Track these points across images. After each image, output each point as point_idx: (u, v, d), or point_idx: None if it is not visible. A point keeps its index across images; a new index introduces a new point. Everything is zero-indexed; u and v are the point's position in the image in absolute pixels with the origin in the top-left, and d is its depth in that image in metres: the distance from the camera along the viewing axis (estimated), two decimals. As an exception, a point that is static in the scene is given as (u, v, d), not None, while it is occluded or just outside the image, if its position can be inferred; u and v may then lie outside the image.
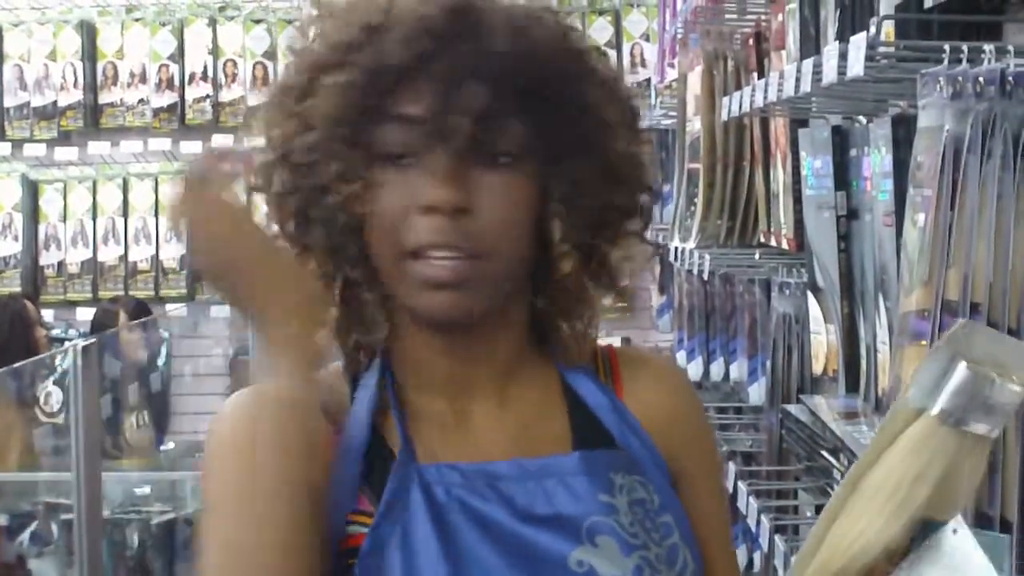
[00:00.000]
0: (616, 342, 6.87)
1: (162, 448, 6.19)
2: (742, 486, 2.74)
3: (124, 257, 6.79)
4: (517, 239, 1.18)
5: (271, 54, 6.84)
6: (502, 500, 1.19)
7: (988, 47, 1.49)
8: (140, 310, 6.13)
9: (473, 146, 1.15)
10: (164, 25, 6.91)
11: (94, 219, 6.81)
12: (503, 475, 1.20)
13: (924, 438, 1.14)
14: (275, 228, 1.22)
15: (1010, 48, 1.49)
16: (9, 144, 6.86)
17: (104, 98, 6.88)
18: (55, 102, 6.84)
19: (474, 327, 1.21)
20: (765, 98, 2.44)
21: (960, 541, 1.14)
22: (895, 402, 1.19)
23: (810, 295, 2.43)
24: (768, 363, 2.91)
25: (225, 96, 6.85)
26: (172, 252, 6.76)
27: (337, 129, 1.17)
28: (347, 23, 1.19)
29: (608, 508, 1.20)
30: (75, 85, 6.84)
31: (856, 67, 1.69)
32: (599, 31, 6.79)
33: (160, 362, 6.46)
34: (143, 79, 6.87)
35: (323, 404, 1.20)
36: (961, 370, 1.13)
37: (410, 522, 1.17)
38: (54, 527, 4.10)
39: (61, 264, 6.83)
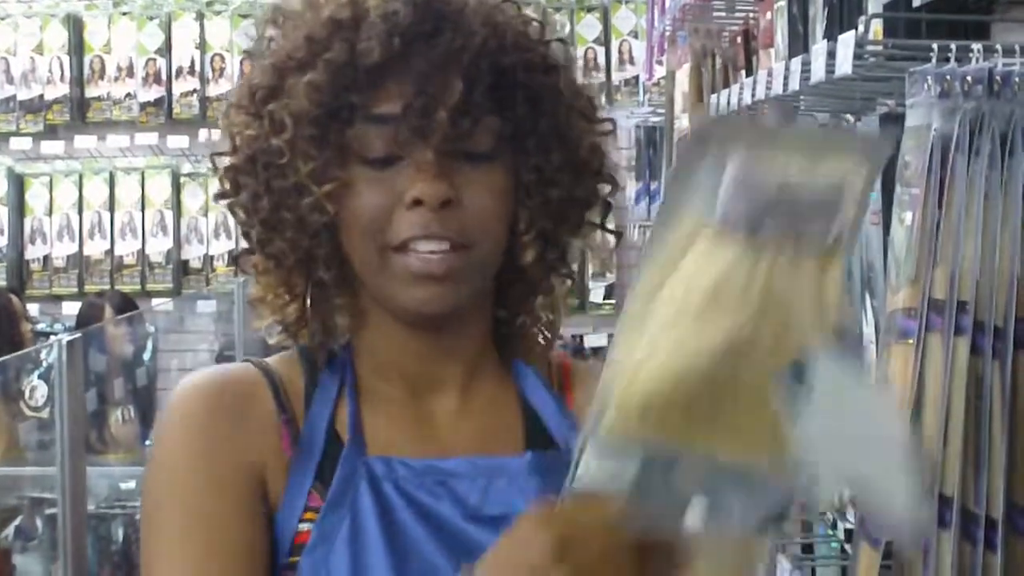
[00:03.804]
0: (603, 338, 6.87)
1: (147, 443, 6.18)
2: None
3: (110, 251, 6.77)
4: (498, 230, 1.19)
5: (259, 49, 6.81)
6: (453, 498, 1.18)
7: (976, 46, 1.50)
8: (126, 304, 6.11)
9: (454, 141, 1.15)
10: (151, 19, 6.89)
11: (80, 213, 6.79)
12: (454, 472, 1.20)
13: (712, 253, 0.87)
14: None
15: (998, 47, 1.50)
16: (-5, 137, 6.85)
17: (91, 92, 6.86)
18: (41, 96, 6.82)
19: (442, 324, 1.21)
20: (753, 96, 2.44)
21: (822, 370, 0.87)
22: (665, 206, 0.90)
23: (797, 293, 2.43)
24: (754, 361, 2.90)
25: (212, 91, 6.83)
26: (158, 247, 6.75)
27: (309, 128, 1.16)
28: (314, 19, 1.18)
29: None
30: (62, 79, 6.82)
31: (844, 65, 1.69)
32: (587, 28, 6.78)
33: (146, 357, 6.44)
34: (130, 73, 6.85)
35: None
36: (734, 167, 0.85)
37: (358, 515, 1.17)
38: (39, 522, 4.09)
39: (47, 258, 6.80)
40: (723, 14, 3.59)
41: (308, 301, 1.23)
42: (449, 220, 1.16)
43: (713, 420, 0.88)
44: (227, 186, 1.23)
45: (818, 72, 1.81)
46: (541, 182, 1.20)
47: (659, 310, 0.88)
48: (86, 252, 6.78)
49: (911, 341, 1.45)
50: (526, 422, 1.25)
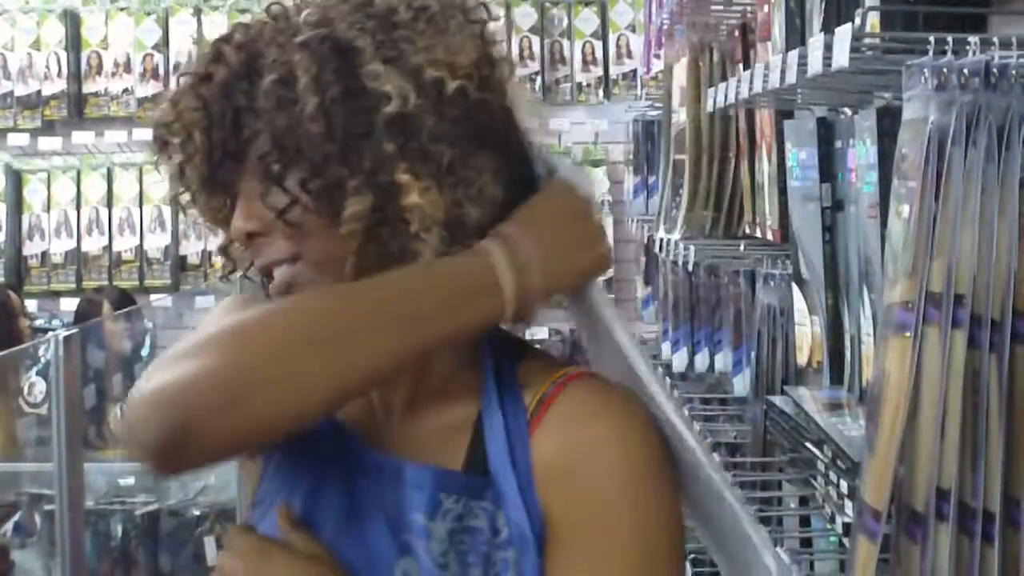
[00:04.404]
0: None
1: (146, 439, 6.16)
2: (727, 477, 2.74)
3: (108, 247, 6.77)
4: (317, 234, 1.21)
5: (256, 44, 6.80)
6: (372, 487, 1.25)
7: (973, 39, 1.49)
8: (124, 300, 6.11)
9: (230, 177, 1.23)
10: (149, 15, 6.89)
11: (78, 209, 6.79)
12: (364, 463, 1.26)
13: None
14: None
15: (995, 40, 1.49)
16: (-8, 133, 6.84)
17: (88, 87, 6.86)
18: (39, 91, 6.81)
19: None
20: (750, 89, 2.44)
21: None
22: None
23: (795, 286, 2.43)
24: (753, 354, 2.91)
25: (210, 86, 6.82)
26: (156, 242, 6.75)
27: (203, 186, 1.27)
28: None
29: (421, 529, 1.21)
30: (59, 74, 6.82)
31: (841, 58, 1.69)
32: (585, 22, 6.78)
33: (144, 352, 6.44)
34: (127, 69, 6.84)
35: None
36: None
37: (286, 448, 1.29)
38: (37, 518, 4.09)
39: (45, 254, 6.80)
40: (721, 8, 3.58)
41: None
42: (270, 244, 1.23)
43: None
44: None
45: (815, 65, 1.81)
46: (295, 172, 1.20)
47: None
48: (84, 248, 6.78)
49: (908, 334, 1.45)
50: (473, 440, 1.25)
